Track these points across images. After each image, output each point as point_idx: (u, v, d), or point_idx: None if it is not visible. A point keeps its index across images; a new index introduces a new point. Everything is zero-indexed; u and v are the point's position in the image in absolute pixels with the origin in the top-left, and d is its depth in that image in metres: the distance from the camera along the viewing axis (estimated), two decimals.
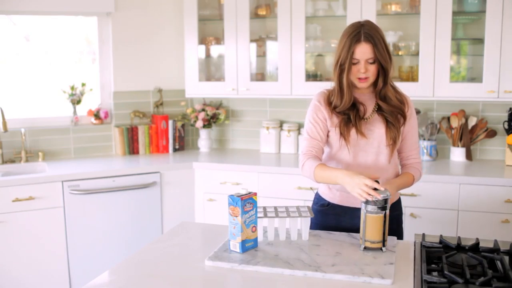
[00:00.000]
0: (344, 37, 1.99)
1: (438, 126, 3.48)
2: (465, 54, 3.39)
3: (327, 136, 2.10)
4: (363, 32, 1.95)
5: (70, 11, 3.66)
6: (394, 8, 3.37)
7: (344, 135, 2.03)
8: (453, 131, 3.43)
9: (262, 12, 3.66)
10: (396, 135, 2.04)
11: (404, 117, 2.06)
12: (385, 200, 1.79)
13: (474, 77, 3.32)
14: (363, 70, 1.97)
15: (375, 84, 2.06)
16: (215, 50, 3.87)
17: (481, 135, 3.43)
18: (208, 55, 3.88)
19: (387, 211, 1.81)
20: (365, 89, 2.08)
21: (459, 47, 3.37)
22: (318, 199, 2.23)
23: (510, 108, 3.34)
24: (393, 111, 2.04)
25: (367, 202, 1.80)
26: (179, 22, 3.85)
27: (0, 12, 3.52)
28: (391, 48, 3.41)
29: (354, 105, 2.05)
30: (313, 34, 3.58)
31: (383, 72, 2.00)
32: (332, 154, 2.12)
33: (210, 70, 3.93)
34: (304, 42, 3.46)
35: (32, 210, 3.10)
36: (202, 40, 3.82)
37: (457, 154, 3.43)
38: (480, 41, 3.23)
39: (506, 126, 3.37)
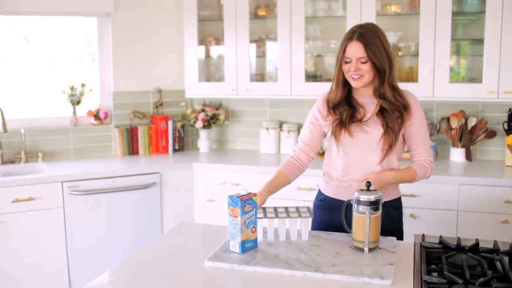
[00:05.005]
0: (343, 37, 2.07)
1: (437, 126, 3.48)
2: (465, 55, 3.39)
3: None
4: (357, 32, 2.01)
5: (69, 11, 3.66)
6: (394, 8, 3.37)
7: (335, 133, 2.11)
8: (452, 132, 3.43)
9: (262, 12, 3.66)
10: (393, 140, 2.06)
11: (403, 120, 2.08)
12: (370, 202, 1.81)
13: (474, 77, 3.32)
14: (354, 69, 2.02)
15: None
16: (215, 50, 3.87)
17: (481, 135, 3.43)
18: (208, 55, 3.88)
19: (373, 214, 1.82)
20: (364, 92, 2.11)
21: (458, 48, 3.37)
22: (318, 193, 2.31)
23: (510, 109, 3.34)
24: (393, 109, 2.06)
25: (358, 202, 1.83)
26: (179, 22, 3.85)
27: None
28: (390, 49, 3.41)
29: (351, 106, 2.11)
30: (313, 35, 3.58)
31: (378, 72, 2.03)
32: (328, 150, 2.22)
33: (210, 71, 3.93)
34: (304, 42, 3.46)
35: (32, 211, 3.10)
36: (202, 41, 3.82)
37: (457, 154, 3.43)
38: (479, 41, 3.23)
39: (505, 126, 3.37)
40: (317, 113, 2.19)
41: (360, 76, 2.02)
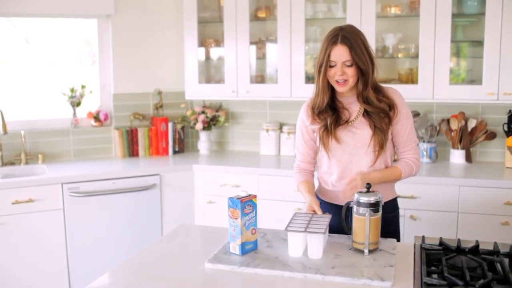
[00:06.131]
0: (324, 40, 2.03)
1: (437, 128, 3.48)
2: (465, 56, 3.39)
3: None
4: (340, 35, 1.98)
5: (70, 13, 3.67)
6: (393, 10, 3.37)
7: (323, 141, 2.11)
8: (452, 133, 3.43)
9: (262, 14, 3.66)
10: (383, 141, 2.05)
11: (390, 119, 2.07)
12: (371, 204, 1.81)
13: (474, 79, 3.32)
14: (340, 73, 2.00)
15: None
16: (215, 52, 3.87)
17: (481, 137, 3.43)
18: (208, 57, 3.88)
19: (373, 215, 1.81)
20: (348, 93, 2.09)
21: (458, 49, 3.37)
22: None
23: (510, 110, 3.35)
24: (378, 111, 2.05)
25: (358, 203, 1.83)
26: (179, 24, 3.86)
27: (0, 14, 3.53)
28: (390, 51, 3.41)
29: (335, 110, 2.10)
30: (313, 36, 3.58)
31: (362, 75, 2.01)
32: (320, 157, 2.21)
33: (210, 72, 3.94)
34: (304, 44, 3.47)
35: (32, 212, 3.10)
36: (202, 42, 3.82)
37: (457, 156, 3.43)
38: (479, 43, 3.23)
39: (505, 128, 3.37)
40: (305, 121, 2.18)
41: (345, 81, 2.01)
